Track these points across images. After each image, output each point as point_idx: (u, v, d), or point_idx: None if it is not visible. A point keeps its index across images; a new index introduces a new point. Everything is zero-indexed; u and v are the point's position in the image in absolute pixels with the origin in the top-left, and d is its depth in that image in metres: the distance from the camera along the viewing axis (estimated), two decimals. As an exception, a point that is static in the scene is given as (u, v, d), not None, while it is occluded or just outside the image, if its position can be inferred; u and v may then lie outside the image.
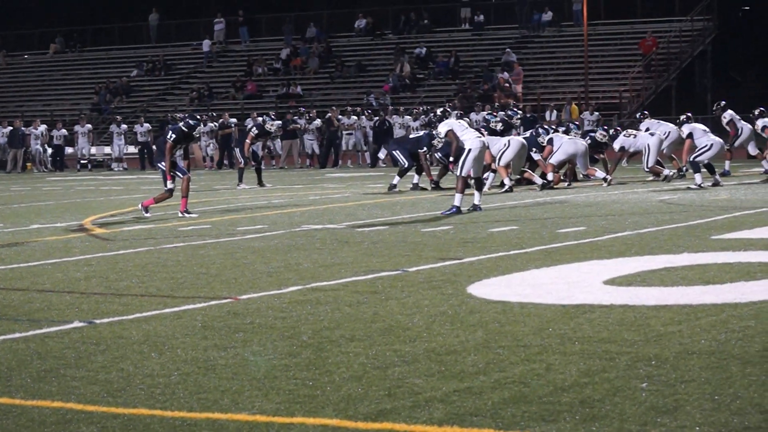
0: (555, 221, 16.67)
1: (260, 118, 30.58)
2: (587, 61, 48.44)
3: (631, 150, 26.64)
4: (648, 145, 25.78)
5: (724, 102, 29.65)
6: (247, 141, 28.33)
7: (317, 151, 42.81)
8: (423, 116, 38.75)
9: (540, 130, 26.23)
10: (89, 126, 47.21)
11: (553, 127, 28.53)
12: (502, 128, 26.25)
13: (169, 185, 19.20)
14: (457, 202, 18.37)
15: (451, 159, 19.21)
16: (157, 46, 62.39)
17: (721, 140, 24.70)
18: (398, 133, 40.04)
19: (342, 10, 62.21)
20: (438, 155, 25.71)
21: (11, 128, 45.14)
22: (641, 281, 10.36)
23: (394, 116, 42.59)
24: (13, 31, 66.44)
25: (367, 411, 6.08)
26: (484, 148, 19.17)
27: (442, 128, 19.42)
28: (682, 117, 26.23)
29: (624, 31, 53.08)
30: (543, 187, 24.44)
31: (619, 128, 30.12)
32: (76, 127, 46.31)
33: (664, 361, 7.03)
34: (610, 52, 52.09)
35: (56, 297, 10.29)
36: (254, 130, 28.50)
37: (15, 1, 69.55)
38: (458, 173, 18.67)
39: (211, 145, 43.53)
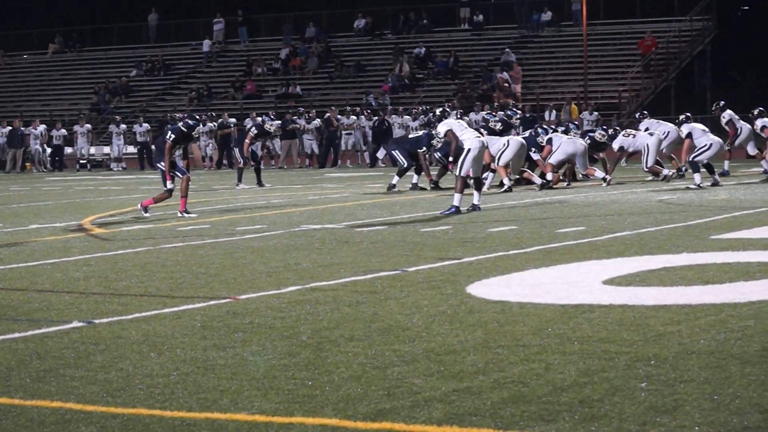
0: (554, 221, 16.68)
1: (259, 118, 30.58)
2: (586, 60, 48.46)
3: (630, 150, 26.65)
4: (647, 145, 25.79)
5: (723, 102, 29.65)
6: (247, 141, 28.33)
7: (316, 151, 42.81)
8: (422, 116, 38.77)
9: (539, 130, 26.24)
10: (88, 126, 47.22)
11: (552, 127, 28.53)
12: (501, 128, 26.25)
13: (169, 185, 19.20)
14: (456, 202, 18.37)
15: (451, 159, 19.21)
16: (156, 46, 62.39)
17: (720, 140, 24.70)
18: (397, 133, 40.03)
19: (341, 10, 62.22)
20: (437, 155, 25.71)
21: (10, 128, 45.14)
22: (640, 281, 10.36)
23: (393, 116, 42.60)
24: (12, 31, 66.43)
25: (367, 411, 6.08)
26: (484, 148, 19.17)
27: (442, 128, 19.42)
28: (682, 117, 26.23)
29: (623, 31, 53.08)
30: (542, 187, 24.44)
31: (618, 128, 30.15)
32: (76, 127, 46.31)
33: (663, 360, 7.03)
34: (609, 52, 52.10)
35: (55, 297, 10.29)
36: (253, 130, 28.50)
37: (14, 1, 69.54)
38: (457, 173, 18.67)
39: (210, 145, 43.54)
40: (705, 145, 23.84)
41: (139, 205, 19.67)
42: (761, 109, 28.33)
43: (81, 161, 46.02)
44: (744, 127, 28.74)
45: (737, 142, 28.74)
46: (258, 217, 18.85)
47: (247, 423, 5.93)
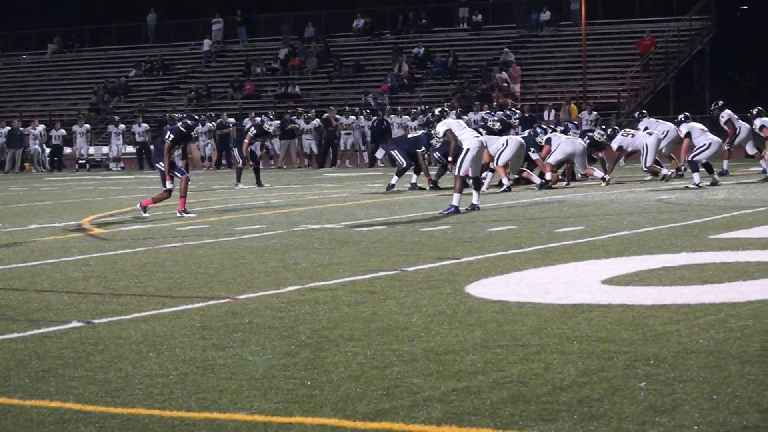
0: (553, 221, 16.68)
1: (258, 118, 30.58)
2: (585, 60, 48.47)
3: (629, 149, 26.65)
4: (646, 144, 25.79)
5: (721, 102, 29.66)
6: (246, 141, 28.33)
7: (315, 151, 42.81)
8: (421, 116, 38.82)
9: (538, 130, 26.25)
10: (87, 126, 47.22)
11: (551, 126, 28.54)
12: (500, 128, 26.25)
13: (168, 185, 19.21)
14: (455, 202, 18.38)
15: (450, 159, 19.21)
16: (155, 46, 62.39)
17: (719, 139, 24.71)
18: (397, 133, 40.03)
19: (340, 10, 62.21)
20: (436, 155, 25.71)
21: (9, 128, 45.14)
22: (639, 281, 10.36)
23: (393, 116, 42.59)
24: (11, 31, 66.42)
25: (366, 410, 6.08)
26: (483, 147, 19.18)
27: (441, 128, 19.43)
28: (680, 116, 26.24)
29: (622, 31, 53.09)
30: (541, 186, 24.45)
31: (616, 127, 30.14)
32: (75, 127, 46.31)
33: (662, 360, 7.03)
34: (608, 52, 52.10)
35: (54, 297, 10.29)
36: (252, 130, 28.50)
37: (13, 1, 69.52)
38: (456, 173, 18.67)
39: (209, 145, 43.53)
40: (704, 145, 23.85)
41: (138, 205, 19.66)
42: (760, 108, 28.33)
43: (80, 161, 46.02)
44: (743, 126, 28.75)
45: (736, 141, 28.75)
46: (257, 217, 18.85)
47: (246, 423, 5.93)
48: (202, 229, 16.73)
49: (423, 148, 26.02)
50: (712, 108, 30.09)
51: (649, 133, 26.40)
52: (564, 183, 25.73)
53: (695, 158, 23.78)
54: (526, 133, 26.40)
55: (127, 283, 11.03)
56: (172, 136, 19.25)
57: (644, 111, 31.69)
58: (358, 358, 7.35)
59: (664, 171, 25.81)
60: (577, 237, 14.25)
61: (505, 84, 49.24)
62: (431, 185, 25.72)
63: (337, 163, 42.62)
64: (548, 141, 25.27)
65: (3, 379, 7.05)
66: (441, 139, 23.28)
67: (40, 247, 14.77)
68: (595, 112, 42.08)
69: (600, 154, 27.07)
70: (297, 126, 42.42)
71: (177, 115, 38.31)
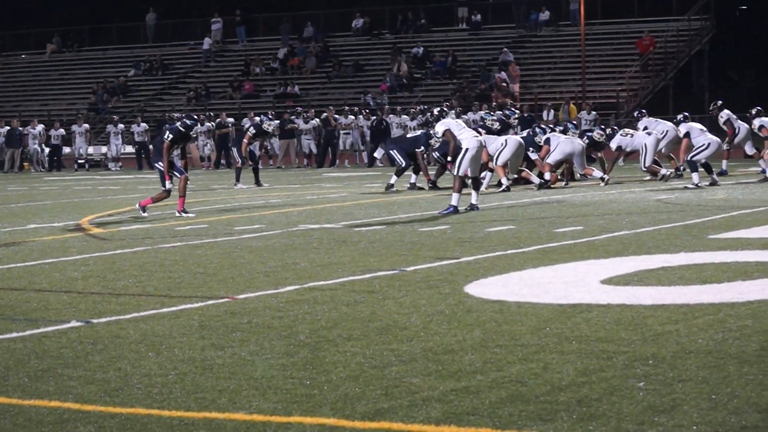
0: (552, 221, 16.68)
1: (257, 118, 30.58)
2: (584, 60, 48.47)
3: (628, 149, 26.65)
4: (645, 144, 25.79)
5: (720, 102, 29.67)
6: (245, 141, 28.32)
7: (314, 150, 42.81)
8: (420, 116, 38.83)
9: (537, 130, 26.25)
10: (86, 126, 47.20)
11: (550, 126, 28.54)
12: (499, 128, 26.25)
13: (168, 185, 19.21)
14: (454, 202, 18.38)
15: (449, 159, 19.21)
16: (154, 46, 62.39)
17: (718, 139, 24.72)
18: (396, 132, 40.04)
19: (339, 10, 62.22)
20: (435, 155, 25.72)
21: (8, 128, 45.14)
22: (638, 281, 10.37)
23: (392, 116, 42.59)
24: (10, 31, 66.41)
25: (365, 410, 6.08)
26: (482, 147, 19.18)
27: (440, 128, 19.44)
28: (679, 116, 26.25)
29: (621, 31, 53.10)
30: (540, 186, 24.45)
31: (615, 127, 30.14)
32: (74, 127, 46.30)
33: (661, 360, 7.03)
34: (607, 52, 52.10)
35: (53, 297, 10.29)
36: (252, 130, 28.49)
37: (12, 1, 69.50)
38: (455, 173, 18.67)
39: (209, 144, 43.53)
40: (703, 145, 23.86)
41: (137, 205, 19.66)
42: (759, 108, 28.34)
43: (79, 161, 46.02)
44: (742, 126, 28.77)
45: (735, 141, 28.76)
46: (256, 216, 18.85)
47: (245, 422, 5.93)
48: (201, 229, 16.73)
49: (422, 148, 26.02)
50: (711, 108, 30.09)
51: (648, 133, 26.40)
52: (563, 183, 25.73)
53: (694, 158, 23.79)
54: (525, 133, 26.41)
55: (126, 283, 11.03)
56: (171, 136, 19.26)
57: (643, 110, 31.68)
58: (357, 357, 7.35)
59: (663, 171, 25.81)
60: (576, 237, 14.25)
61: (504, 84, 49.25)
62: (430, 185, 25.72)
63: (336, 162, 42.63)
64: (547, 141, 25.28)
65: (2, 378, 7.05)
66: (440, 139, 23.29)
67: (39, 247, 14.77)
68: (594, 112, 42.09)
69: (599, 154, 27.08)
70: (296, 126, 42.43)
71: (176, 115, 38.32)
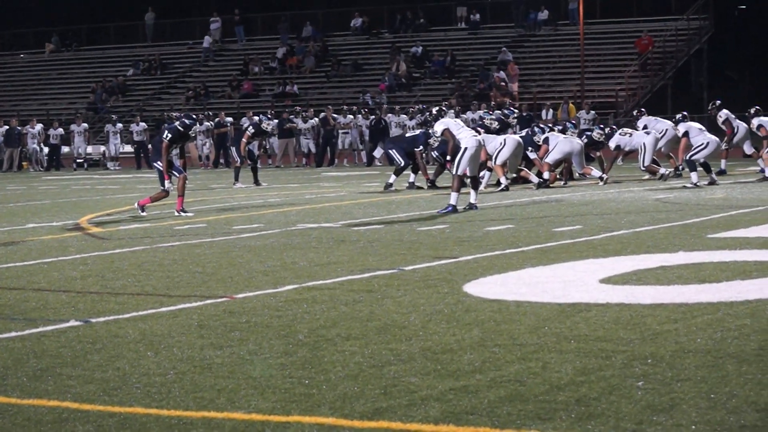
0: (551, 220, 16.68)
1: (256, 118, 30.58)
2: (583, 59, 48.48)
3: (627, 149, 26.66)
4: (644, 143, 25.80)
5: (719, 101, 29.67)
6: (244, 140, 28.31)
7: (313, 150, 42.81)
8: (419, 115, 38.82)
9: (536, 129, 26.26)
10: (85, 125, 47.18)
11: (549, 125, 28.54)
12: (498, 127, 26.25)
13: (167, 185, 19.22)
14: (453, 201, 18.38)
15: (448, 158, 19.22)
16: (153, 46, 62.39)
17: (717, 139, 24.72)
18: (395, 132, 40.03)
19: (338, 9, 62.21)
20: (434, 154, 25.71)
21: (7, 127, 45.13)
22: (637, 280, 10.37)
23: (390, 115, 42.58)
24: (8, 31, 66.40)
25: (363, 409, 6.08)
26: (480, 147, 19.18)
27: (439, 127, 19.43)
28: (678, 116, 26.25)
29: (620, 30, 53.11)
30: (539, 185, 24.45)
31: (614, 127, 30.14)
32: (73, 127, 46.28)
33: (660, 359, 7.04)
34: (606, 51, 52.10)
35: (52, 296, 10.29)
36: (251, 130, 28.48)
37: (11, 1, 69.49)
38: (454, 172, 18.67)
39: (207, 144, 43.52)
40: (702, 144, 23.86)
41: (136, 204, 19.66)
42: (757, 108, 28.35)
43: (78, 160, 46.00)
44: (740, 126, 28.78)
45: (734, 141, 28.77)
46: (255, 216, 18.85)
47: (244, 422, 5.93)
48: (199, 228, 16.73)
49: (421, 148, 26.02)
50: (709, 108, 30.09)
51: (647, 133, 26.41)
52: (562, 182, 25.73)
53: (693, 157, 23.79)
54: (524, 133, 26.41)
55: (124, 282, 11.03)
56: (169, 136, 19.27)
57: (643, 109, 31.68)
58: (356, 357, 7.35)
59: (662, 170, 25.81)
60: (574, 236, 14.25)
61: (503, 83, 49.26)
62: (429, 184, 25.72)
63: (335, 162, 42.62)
64: (546, 140, 25.28)
65: (1, 378, 7.05)
66: (439, 139, 23.28)
67: (38, 246, 14.77)
68: (593, 112, 42.09)
69: (598, 154, 27.08)
70: (295, 125, 42.42)
71: (175, 114, 38.29)
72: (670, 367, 6.80)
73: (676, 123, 25.80)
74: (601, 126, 30.37)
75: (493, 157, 24.04)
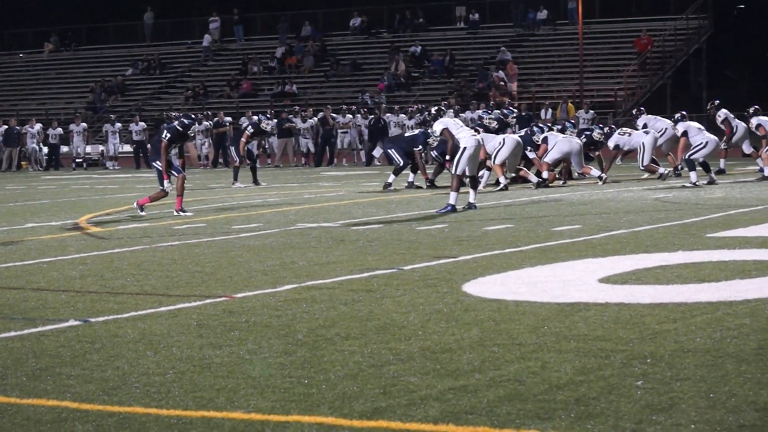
0: (550, 219, 16.68)
1: (256, 117, 30.58)
2: (582, 59, 48.47)
3: (626, 148, 26.66)
4: (643, 143, 25.80)
5: (718, 101, 29.69)
6: (243, 140, 28.31)
7: (312, 149, 42.81)
8: (418, 115, 38.82)
9: (535, 129, 26.26)
10: (84, 125, 47.16)
11: (548, 125, 28.55)
12: (497, 126, 26.25)
13: (166, 185, 19.22)
14: (452, 201, 18.38)
15: (447, 157, 19.22)
16: (152, 45, 62.38)
17: (716, 138, 24.72)
18: (394, 131, 40.03)
19: (337, 9, 62.20)
20: (433, 153, 25.71)
21: (6, 127, 45.12)
22: (636, 279, 10.37)
23: (389, 115, 42.56)
24: (7, 30, 66.38)
25: (363, 409, 6.08)
26: (480, 146, 19.18)
27: (438, 127, 19.43)
28: (677, 115, 26.24)
29: (619, 30, 53.11)
30: (538, 185, 24.45)
31: (613, 126, 30.14)
32: (72, 126, 46.26)
33: (659, 359, 7.04)
34: (605, 51, 52.11)
35: (51, 295, 10.29)
36: (250, 129, 28.48)
37: (10, 0, 69.46)
38: (453, 172, 18.67)
39: (206, 143, 43.51)
40: (701, 144, 23.87)
41: (135, 204, 19.66)
42: (756, 107, 28.35)
43: (77, 160, 45.99)
44: (739, 125, 28.79)
45: (733, 140, 28.78)
46: (254, 215, 18.85)
47: (244, 421, 5.93)
48: (199, 228, 16.73)
49: (420, 147, 26.01)
50: (708, 107, 30.10)
51: (646, 132, 26.41)
52: (561, 182, 25.72)
53: (692, 157, 23.80)
54: (523, 132, 26.41)
55: (124, 282, 11.03)
56: (168, 135, 19.27)
57: (642, 108, 31.67)
58: (355, 356, 7.35)
59: (662, 170, 25.82)
60: (574, 236, 14.26)
61: (502, 83, 49.26)
62: (428, 184, 25.72)
63: (334, 161, 42.61)
64: (545, 140, 25.29)
65: (0, 377, 7.05)
66: (438, 138, 23.27)
67: (37, 246, 14.77)
68: (592, 111, 42.08)
69: (597, 153, 27.09)
70: (294, 125, 42.41)
71: (174, 114, 38.30)
72: (670, 367, 6.81)
73: (675, 122, 25.80)
74: (600, 126, 30.38)
75: (492, 157, 24.04)
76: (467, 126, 21.54)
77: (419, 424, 5.77)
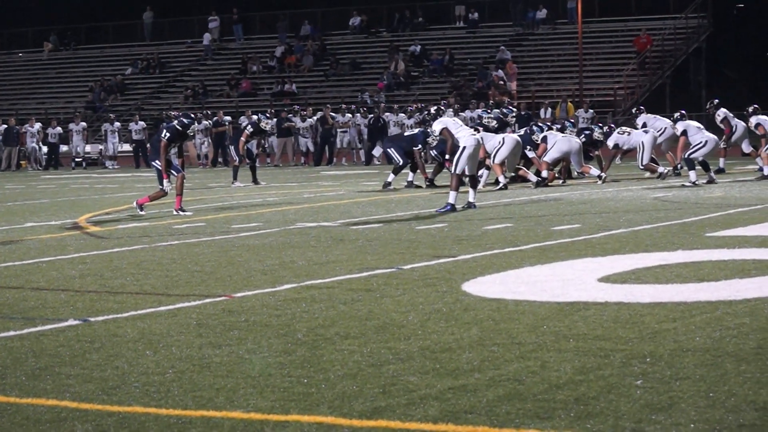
0: (549, 219, 16.68)
1: (255, 116, 30.59)
2: (582, 58, 48.47)
3: (625, 147, 26.65)
4: (642, 142, 25.81)
5: (717, 100, 29.69)
6: (242, 139, 28.31)
7: (312, 148, 42.81)
8: (417, 114, 38.82)
9: (534, 128, 26.26)
10: (84, 124, 47.15)
11: (548, 124, 28.55)
12: (496, 126, 26.25)
13: (165, 185, 19.21)
14: (451, 200, 18.38)
15: (447, 157, 19.23)
16: (151, 44, 62.38)
17: (715, 137, 24.73)
18: (393, 131, 40.04)
19: (336, 8, 62.19)
20: (433, 153, 25.71)
21: (6, 126, 45.11)
22: (636, 279, 10.37)
23: (389, 114, 42.56)
24: (7, 30, 66.37)
25: (362, 408, 6.08)
26: (479, 145, 19.18)
27: (437, 126, 19.42)
28: (676, 114, 26.25)
29: (618, 29, 53.12)
30: (537, 184, 24.45)
31: (612, 125, 30.14)
32: (71, 125, 46.26)
33: (658, 358, 7.04)
34: (604, 50, 52.11)
35: (51, 295, 10.29)
36: (249, 128, 28.48)
37: (9, 0, 69.45)
38: (453, 171, 18.67)
39: (206, 143, 43.51)
40: (700, 143, 23.87)
41: (134, 203, 19.65)
42: (756, 106, 28.36)
43: (76, 159, 45.99)
44: (739, 124, 28.79)
45: (732, 139, 28.78)
46: (253, 215, 18.84)
47: (243, 421, 5.93)
48: (198, 227, 16.73)
49: (419, 146, 26.01)
50: (708, 106, 30.11)
51: (646, 131, 26.42)
52: (560, 181, 25.73)
53: (691, 156, 23.80)
54: (522, 131, 26.41)
55: (123, 281, 11.03)
56: (168, 135, 19.27)
57: (642, 107, 31.67)
58: (355, 356, 7.35)
59: (661, 169, 25.82)
60: (573, 235, 14.25)
61: (502, 82, 49.26)
62: (428, 183, 25.72)
63: (334, 161, 42.61)
64: (544, 139, 25.29)
65: (0, 377, 7.05)
66: (437, 138, 23.27)
67: (37, 245, 14.76)
68: (591, 110, 42.08)
69: (596, 152, 27.09)
70: (293, 124, 42.42)
71: (173, 113, 38.28)
72: (669, 366, 6.80)
73: (675, 121, 25.80)
74: (600, 125, 30.38)
75: (492, 156, 24.03)
76: (467, 125, 21.52)
77: (419, 424, 5.77)
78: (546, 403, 6.07)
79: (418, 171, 26.23)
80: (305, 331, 8.23)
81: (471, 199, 18.94)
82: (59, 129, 45.93)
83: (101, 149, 46.71)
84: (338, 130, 42.73)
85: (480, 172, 22.44)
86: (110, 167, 45.01)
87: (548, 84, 50.46)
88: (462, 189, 19.02)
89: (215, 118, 43.03)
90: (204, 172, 39.59)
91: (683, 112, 26.59)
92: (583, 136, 26.44)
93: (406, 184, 25.78)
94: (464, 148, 18.61)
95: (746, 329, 7.85)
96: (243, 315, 8.93)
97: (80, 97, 58.68)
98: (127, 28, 64.98)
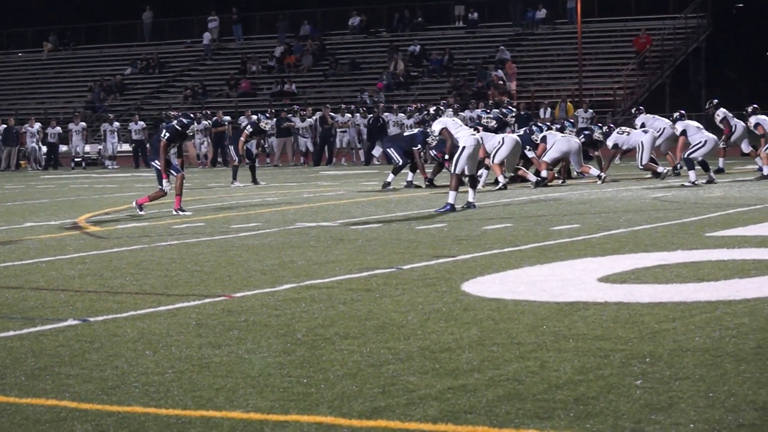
0: (549, 219, 16.68)
1: (254, 116, 30.60)
2: (581, 58, 48.47)
3: (625, 147, 26.65)
4: (642, 142, 25.81)
5: (716, 100, 29.70)
6: (242, 139, 28.32)
7: (311, 148, 42.81)
8: (417, 114, 38.82)
9: (534, 128, 26.26)
10: (83, 124, 47.15)
11: (547, 124, 28.55)
12: (496, 126, 26.25)
13: (165, 185, 19.21)
14: (451, 200, 18.38)
15: (446, 157, 19.22)
16: (150, 44, 62.38)
17: (715, 137, 24.74)
18: (393, 131, 40.04)
19: (336, 8, 62.20)
20: (433, 153, 25.70)
21: (5, 126, 45.11)
22: (635, 278, 10.37)
23: (388, 114, 42.55)
24: (6, 29, 66.36)
25: (362, 408, 6.08)
26: (479, 145, 19.18)
27: (437, 126, 19.42)
28: (676, 114, 26.25)
29: (618, 29, 53.13)
30: (537, 184, 24.45)
31: (612, 125, 30.14)
32: (70, 125, 46.26)
33: (658, 358, 7.03)
34: (604, 50, 52.12)
35: (50, 295, 10.28)
36: (249, 128, 28.49)
37: (9, 0, 69.45)
38: (452, 171, 18.67)
39: (205, 142, 43.51)
40: (700, 143, 23.88)
41: (134, 203, 19.65)
42: (755, 106, 28.36)
43: (76, 159, 45.98)
44: (738, 124, 28.78)
45: (732, 139, 28.78)
46: (253, 215, 18.84)
47: (243, 421, 5.93)
48: (197, 227, 16.73)
49: (419, 146, 26.01)
50: (707, 106, 30.11)
51: (645, 131, 26.42)
52: (560, 181, 25.73)
53: (691, 156, 23.80)
54: (522, 131, 26.41)
55: (123, 281, 11.02)
56: (167, 135, 19.27)
57: (641, 107, 31.66)
58: (354, 356, 7.35)
59: (660, 169, 25.83)
60: (573, 235, 14.25)
61: (501, 82, 49.27)
62: (427, 183, 25.72)
63: (333, 161, 42.61)
64: (544, 139, 25.29)
65: (-1, 377, 7.05)
66: (437, 138, 23.27)
67: (36, 245, 14.76)
68: (591, 110, 42.08)
69: (596, 152, 27.09)
70: (293, 124, 42.42)
71: (173, 113, 38.27)
72: (669, 366, 6.80)
73: (674, 121, 25.80)
74: (600, 125, 30.38)
75: (491, 156, 24.03)
76: (466, 125, 21.52)
77: (418, 424, 5.77)
78: (546, 403, 6.07)
79: (418, 171, 26.23)
80: (305, 331, 8.23)
81: (470, 199, 18.94)
82: (59, 129, 45.93)
83: (100, 149, 46.71)
84: (338, 130, 42.74)
85: (479, 172, 22.43)
86: (110, 167, 45.01)
87: (548, 84, 50.46)
88: (461, 189, 19.02)
89: (215, 118, 43.04)
90: (203, 172, 39.59)
91: (683, 111, 26.59)
92: (582, 136, 26.44)
93: (405, 184, 25.78)
94: (464, 148, 18.61)
95: (746, 329, 7.85)
96: (242, 315, 8.93)
97: (80, 97, 58.67)
98: (126, 28, 64.98)
